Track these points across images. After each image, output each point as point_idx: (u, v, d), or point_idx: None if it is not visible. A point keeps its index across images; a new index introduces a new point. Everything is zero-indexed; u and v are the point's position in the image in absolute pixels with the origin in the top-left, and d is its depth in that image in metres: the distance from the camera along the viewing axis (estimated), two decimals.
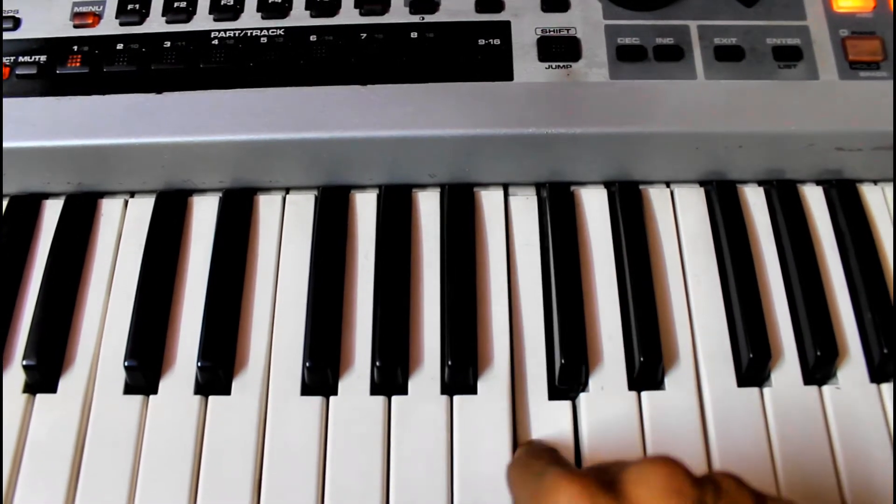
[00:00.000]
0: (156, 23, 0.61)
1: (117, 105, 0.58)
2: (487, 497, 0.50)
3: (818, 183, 0.62)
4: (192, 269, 0.58)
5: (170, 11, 0.61)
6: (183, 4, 0.62)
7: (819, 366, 0.54)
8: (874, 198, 0.61)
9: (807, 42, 0.60)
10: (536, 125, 0.57)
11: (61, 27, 0.61)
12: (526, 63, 0.59)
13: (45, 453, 0.52)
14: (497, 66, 0.59)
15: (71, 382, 0.54)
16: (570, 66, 0.59)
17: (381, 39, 0.60)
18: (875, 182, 0.62)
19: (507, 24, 0.61)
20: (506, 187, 0.61)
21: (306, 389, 0.54)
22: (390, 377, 0.53)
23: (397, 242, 0.58)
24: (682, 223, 0.60)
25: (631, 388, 0.54)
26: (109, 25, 0.61)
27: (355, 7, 0.61)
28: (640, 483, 0.37)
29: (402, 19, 0.61)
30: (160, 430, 0.52)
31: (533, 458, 0.47)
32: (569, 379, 0.54)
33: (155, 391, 0.54)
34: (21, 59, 0.60)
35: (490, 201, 0.61)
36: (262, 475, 0.51)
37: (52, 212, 0.61)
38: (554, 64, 0.59)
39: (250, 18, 0.61)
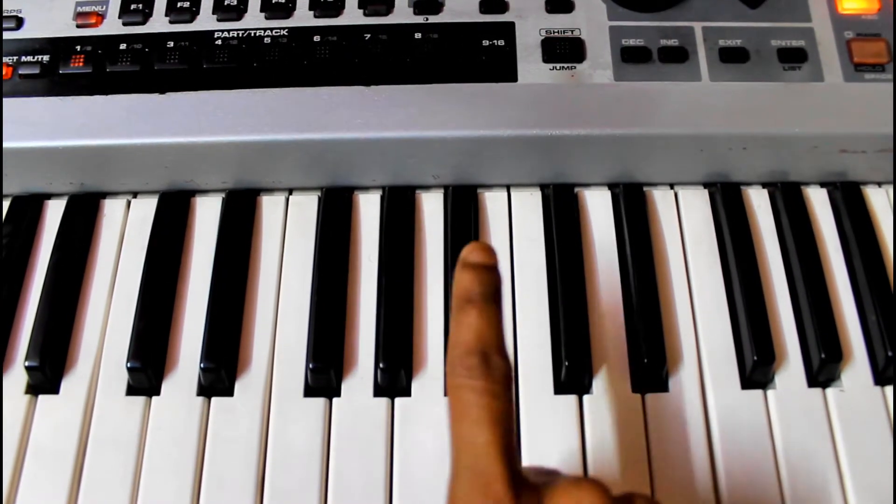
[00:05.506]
0: (159, 23, 0.61)
1: (120, 105, 0.58)
2: None
3: (822, 185, 0.62)
4: (194, 270, 0.58)
5: (173, 11, 0.61)
6: (186, 4, 0.61)
7: (823, 368, 0.54)
8: (878, 200, 0.61)
9: (812, 44, 0.60)
10: (540, 127, 0.57)
11: (64, 27, 0.61)
12: (530, 64, 0.59)
13: (48, 455, 0.51)
14: (501, 67, 0.59)
15: (73, 384, 0.54)
16: (575, 68, 0.59)
17: (384, 40, 0.60)
18: (879, 184, 0.61)
19: (511, 25, 0.60)
20: (509, 188, 0.61)
21: (309, 391, 0.54)
22: (394, 379, 0.53)
23: (401, 244, 0.58)
24: (686, 225, 0.60)
25: (634, 390, 0.53)
26: (112, 25, 0.61)
27: (359, 7, 0.61)
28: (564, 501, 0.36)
29: (406, 20, 0.61)
30: (163, 432, 0.52)
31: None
32: (573, 381, 0.53)
33: (157, 392, 0.54)
34: (24, 58, 0.60)
35: (494, 202, 0.60)
36: (264, 477, 0.51)
37: (54, 212, 0.61)
38: (558, 65, 0.59)
39: (254, 18, 0.61)
